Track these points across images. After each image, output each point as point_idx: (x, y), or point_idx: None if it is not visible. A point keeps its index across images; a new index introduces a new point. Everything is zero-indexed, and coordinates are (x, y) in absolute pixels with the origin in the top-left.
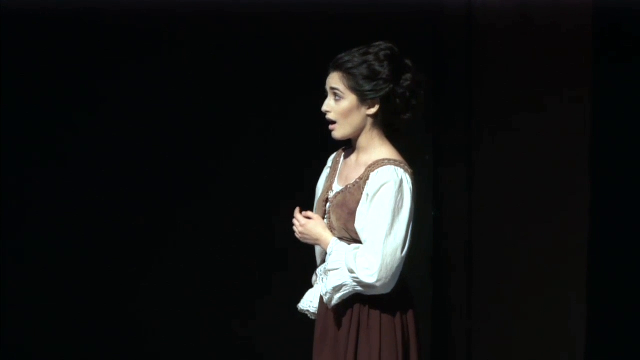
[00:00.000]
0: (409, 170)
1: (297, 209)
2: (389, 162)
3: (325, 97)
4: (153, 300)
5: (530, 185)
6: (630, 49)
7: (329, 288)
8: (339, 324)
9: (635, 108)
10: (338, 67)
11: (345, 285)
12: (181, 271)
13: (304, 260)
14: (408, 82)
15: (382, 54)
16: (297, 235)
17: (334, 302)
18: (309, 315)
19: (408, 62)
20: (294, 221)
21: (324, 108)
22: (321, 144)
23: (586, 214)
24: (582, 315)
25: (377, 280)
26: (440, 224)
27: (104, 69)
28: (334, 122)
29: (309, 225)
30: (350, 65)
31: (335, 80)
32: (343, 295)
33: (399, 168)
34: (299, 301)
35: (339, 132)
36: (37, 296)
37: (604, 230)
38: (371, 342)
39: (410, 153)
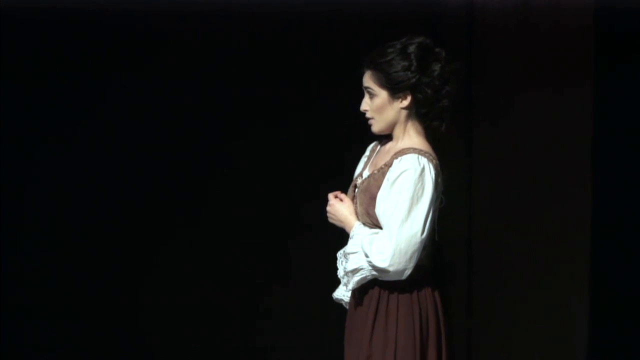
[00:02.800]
0: (434, 160)
1: (335, 192)
2: (413, 150)
3: (363, 95)
4: (165, 292)
5: (531, 185)
6: (632, 48)
7: (347, 271)
8: (361, 309)
9: (637, 107)
10: (368, 65)
11: (361, 269)
12: (194, 264)
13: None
14: (437, 71)
15: (410, 47)
16: (328, 215)
17: (351, 285)
18: (343, 305)
19: (439, 51)
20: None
21: (361, 108)
22: (348, 139)
23: (588, 213)
24: (584, 315)
25: (390, 265)
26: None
27: (117, 68)
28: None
29: (336, 205)
30: (378, 62)
31: (367, 79)
32: (360, 279)
33: (422, 157)
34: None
35: (376, 126)
36: (41, 296)
37: (606, 229)
38: (388, 328)
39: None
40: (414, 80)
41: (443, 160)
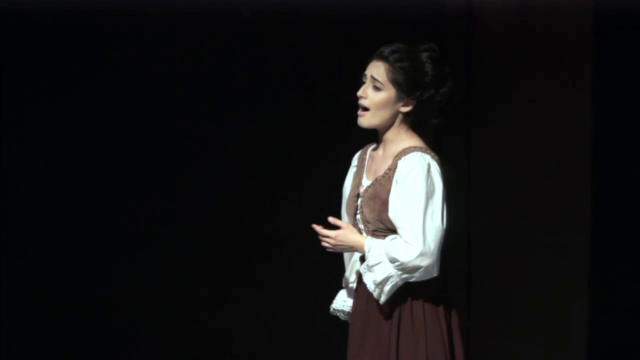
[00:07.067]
0: (436, 156)
1: (319, 227)
2: (415, 149)
3: (361, 83)
4: (141, 295)
5: (531, 185)
6: (632, 48)
7: (377, 283)
8: (380, 319)
9: (637, 107)
10: (384, 59)
11: (390, 276)
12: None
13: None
14: (446, 90)
15: (430, 56)
16: (330, 249)
17: (383, 296)
18: (341, 316)
19: (448, 69)
20: (322, 238)
21: (360, 93)
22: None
23: (588, 214)
24: (583, 315)
25: (421, 260)
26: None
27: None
28: (365, 109)
29: (340, 236)
30: (397, 59)
31: (379, 70)
32: (391, 287)
33: (425, 154)
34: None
35: (368, 120)
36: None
37: (605, 230)
38: (415, 335)
39: None
40: (427, 94)
41: (442, 159)
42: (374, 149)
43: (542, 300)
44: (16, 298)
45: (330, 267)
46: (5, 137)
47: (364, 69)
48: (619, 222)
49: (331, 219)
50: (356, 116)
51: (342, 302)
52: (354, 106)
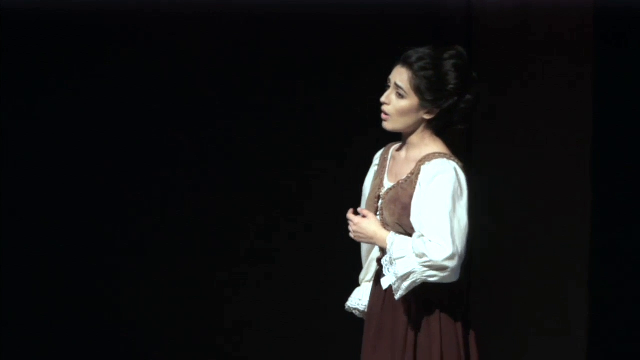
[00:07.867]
0: (460, 163)
1: (350, 210)
2: (439, 155)
3: (385, 88)
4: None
5: (531, 186)
6: (632, 48)
7: (397, 275)
8: (396, 321)
9: (637, 108)
10: (408, 65)
11: (413, 272)
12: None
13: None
14: (471, 98)
15: (455, 64)
16: (352, 235)
17: (400, 291)
18: (356, 314)
19: (474, 74)
20: (349, 222)
21: (383, 99)
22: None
23: (588, 213)
24: (584, 316)
25: (450, 261)
26: None
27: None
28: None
29: (362, 223)
30: (422, 67)
31: (402, 77)
32: (410, 284)
33: (450, 160)
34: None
35: (390, 124)
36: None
37: (606, 231)
38: (431, 337)
39: None
40: (451, 102)
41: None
42: (396, 151)
43: (542, 299)
44: (15, 298)
45: (342, 265)
46: (4, 136)
47: (389, 72)
48: (619, 221)
49: (359, 210)
50: (368, 117)
51: (358, 300)
52: (371, 107)
